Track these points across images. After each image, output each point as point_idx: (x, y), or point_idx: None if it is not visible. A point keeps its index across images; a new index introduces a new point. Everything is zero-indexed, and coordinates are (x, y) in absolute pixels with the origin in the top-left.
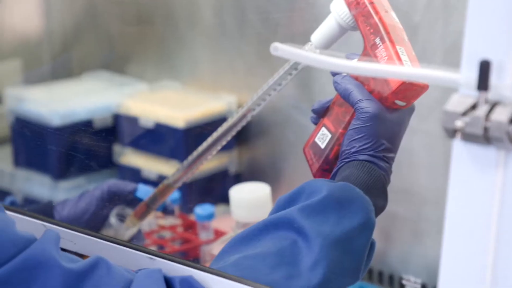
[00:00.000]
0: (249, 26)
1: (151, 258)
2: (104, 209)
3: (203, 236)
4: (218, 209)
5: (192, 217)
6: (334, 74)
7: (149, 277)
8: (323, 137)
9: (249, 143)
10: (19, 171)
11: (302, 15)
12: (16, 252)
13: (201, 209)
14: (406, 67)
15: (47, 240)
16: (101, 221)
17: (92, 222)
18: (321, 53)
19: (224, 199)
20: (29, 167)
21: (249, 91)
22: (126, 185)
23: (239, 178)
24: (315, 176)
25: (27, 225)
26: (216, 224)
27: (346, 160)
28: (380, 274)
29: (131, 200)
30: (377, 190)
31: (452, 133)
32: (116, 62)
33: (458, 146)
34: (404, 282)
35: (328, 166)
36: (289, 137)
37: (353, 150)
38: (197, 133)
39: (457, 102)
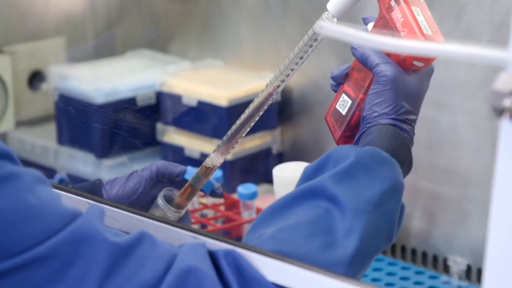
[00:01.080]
0: (293, 4)
1: (194, 237)
2: (152, 190)
3: (246, 215)
4: (261, 188)
5: (235, 196)
6: None
7: (193, 251)
8: (343, 104)
9: (292, 122)
10: (63, 148)
11: None
12: (63, 225)
13: (244, 188)
14: (456, 46)
15: (93, 214)
16: (149, 202)
17: (140, 202)
18: (368, 32)
19: (266, 178)
20: (73, 144)
21: None
22: (175, 167)
23: (281, 157)
24: (338, 143)
25: (72, 202)
26: (258, 203)
27: (368, 125)
28: (424, 255)
29: (180, 182)
30: (402, 152)
31: (499, 112)
32: (159, 41)
33: (505, 125)
34: (449, 263)
35: (350, 132)
36: None
37: (374, 114)
38: (240, 111)
39: (505, 81)
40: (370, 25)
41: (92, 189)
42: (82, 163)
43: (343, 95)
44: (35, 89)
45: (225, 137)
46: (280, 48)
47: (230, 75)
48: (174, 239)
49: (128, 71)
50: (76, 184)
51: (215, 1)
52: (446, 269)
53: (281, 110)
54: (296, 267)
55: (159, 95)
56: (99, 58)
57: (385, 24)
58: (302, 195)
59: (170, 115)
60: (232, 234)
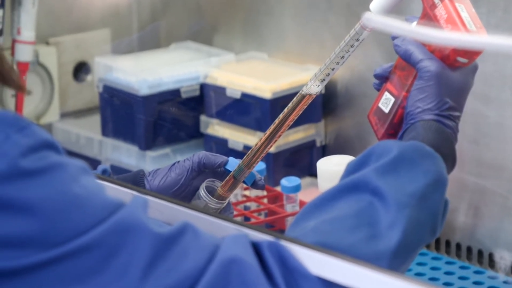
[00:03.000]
0: None
1: (237, 229)
2: (194, 181)
3: (289, 208)
4: (304, 181)
5: (278, 189)
6: (394, 37)
7: (236, 241)
8: (386, 102)
9: (336, 115)
10: (107, 140)
11: None
12: (107, 215)
13: (287, 181)
14: (503, 38)
15: (137, 205)
16: (191, 192)
17: (182, 193)
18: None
19: (310, 171)
20: (117, 136)
21: None
22: (217, 158)
23: (325, 150)
24: (380, 141)
25: (115, 193)
26: (301, 196)
27: (412, 121)
28: (469, 249)
29: (222, 173)
30: (446, 148)
31: None
32: (204, 33)
33: None
34: (496, 258)
35: (393, 130)
36: None
37: (417, 110)
38: (284, 104)
39: None
40: (413, 24)
41: (134, 180)
42: (126, 154)
43: (386, 93)
44: (80, 80)
45: (268, 131)
46: (324, 41)
47: (274, 67)
48: (217, 231)
49: (172, 63)
50: (119, 175)
51: None
52: (492, 264)
53: (325, 102)
54: (339, 260)
55: (203, 87)
56: (144, 50)
57: (428, 21)
58: (345, 189)
59: (214, 107)
60: (275, 227)
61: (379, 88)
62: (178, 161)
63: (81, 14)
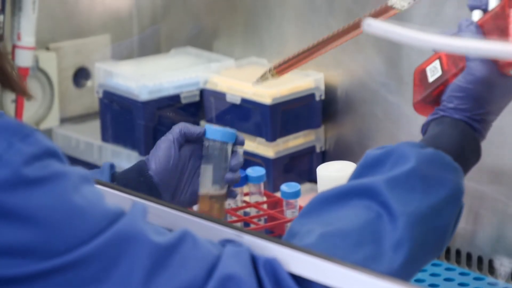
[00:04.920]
0: (338, 2)
1: (237, 235)
2: (183, 152)
3: (289, 214)
4: (304, 187)
5: (278, 195)
6: (460, 27)
7: (237, 257)
8: (433, 70)
9: (336, 121)
10: (107, 145)
11: None
12: (106, 225)
13: (288, 187)
14: None
15: (136, 213)
16: (186, 164)
17: (183, 169)
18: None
19: (309, 177)
20: (117, 141)
21: (337, 68)
22: (196, 128)
23: (325, 156)
24: (414, 105)
25: (115, 199)
26: (301, 202)
27: (442, 112)
28: (469, 256)
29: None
30: (469, 151)
31: None
32: (204, 39)
33: None
34: (496, 265)
35: (429, 99)
36: (376, 114)
37: (450, 105)
38: (284, 110)
39: None
40: (476, 12)
41: (138, 170)
42: (126, 159)
43: (437, 61)
44: (80, 85)
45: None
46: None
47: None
48: (217, 236)
49: (172, 69)
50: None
51: None
52: (491, 271)
53: (325, 108)
54: (342, 267)
55: (203, 93)
56: (144, 56)
57: (498, 16)
58: (355, 192)
59: (214, 113)
60: (275, 233)
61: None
62: (160, 140)
63: (81, 20)
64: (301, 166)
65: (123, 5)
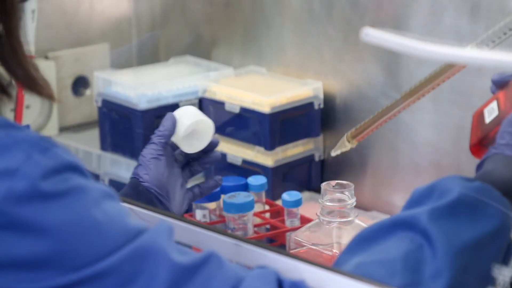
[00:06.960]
0: (337, 11)
1: (237, 244)
2: (166, 151)
3: (289, 222)
4: (303, 195)
5: (278, 203)
6: None
7: (262, 278)
8: (491, 111)
9: (335, 130)
10: (106, 154)
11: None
12: (126, 241)
13: (289, 196)
14: None
15: (160, 231)
16: (175, 164)
17: (173, 171)
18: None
19: (308, 185)
20: (116, 150)
21: (336, 77)
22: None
23: (324, 165)
24: (471, 147)
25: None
26: (302, 210)
27: (494, 150)
28: None
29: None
30: None
31: None
32: (202, 47)
33: None
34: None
35: (485, 142)
36: None
37: (502, 142)
38: (283, 118)
39: None
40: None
41: (133, 187)
42: (125, 168)
43: (494, 102)
44: (79, 94)
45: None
46: (324, 55)
47: (273, 82)
48: (216, 246)
49: (171, 77)
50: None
51: (258, 7)
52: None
53: (324, 117)
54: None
55: (202, 102)
56: (143, 64)
57: None
58: (399, 224)
59: (213, 122)
60: (276, 242)
61: (494, 91)
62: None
63: (80, 29)
64: (300, 175)
65: (122, 15)
